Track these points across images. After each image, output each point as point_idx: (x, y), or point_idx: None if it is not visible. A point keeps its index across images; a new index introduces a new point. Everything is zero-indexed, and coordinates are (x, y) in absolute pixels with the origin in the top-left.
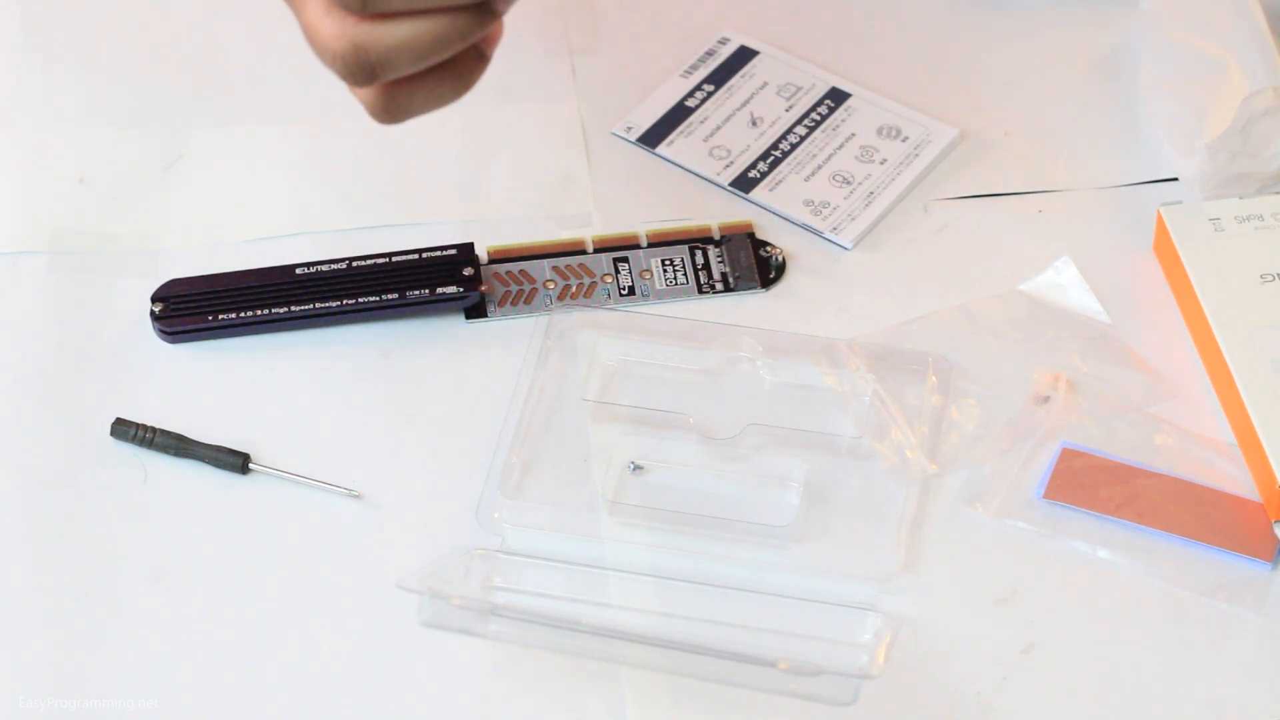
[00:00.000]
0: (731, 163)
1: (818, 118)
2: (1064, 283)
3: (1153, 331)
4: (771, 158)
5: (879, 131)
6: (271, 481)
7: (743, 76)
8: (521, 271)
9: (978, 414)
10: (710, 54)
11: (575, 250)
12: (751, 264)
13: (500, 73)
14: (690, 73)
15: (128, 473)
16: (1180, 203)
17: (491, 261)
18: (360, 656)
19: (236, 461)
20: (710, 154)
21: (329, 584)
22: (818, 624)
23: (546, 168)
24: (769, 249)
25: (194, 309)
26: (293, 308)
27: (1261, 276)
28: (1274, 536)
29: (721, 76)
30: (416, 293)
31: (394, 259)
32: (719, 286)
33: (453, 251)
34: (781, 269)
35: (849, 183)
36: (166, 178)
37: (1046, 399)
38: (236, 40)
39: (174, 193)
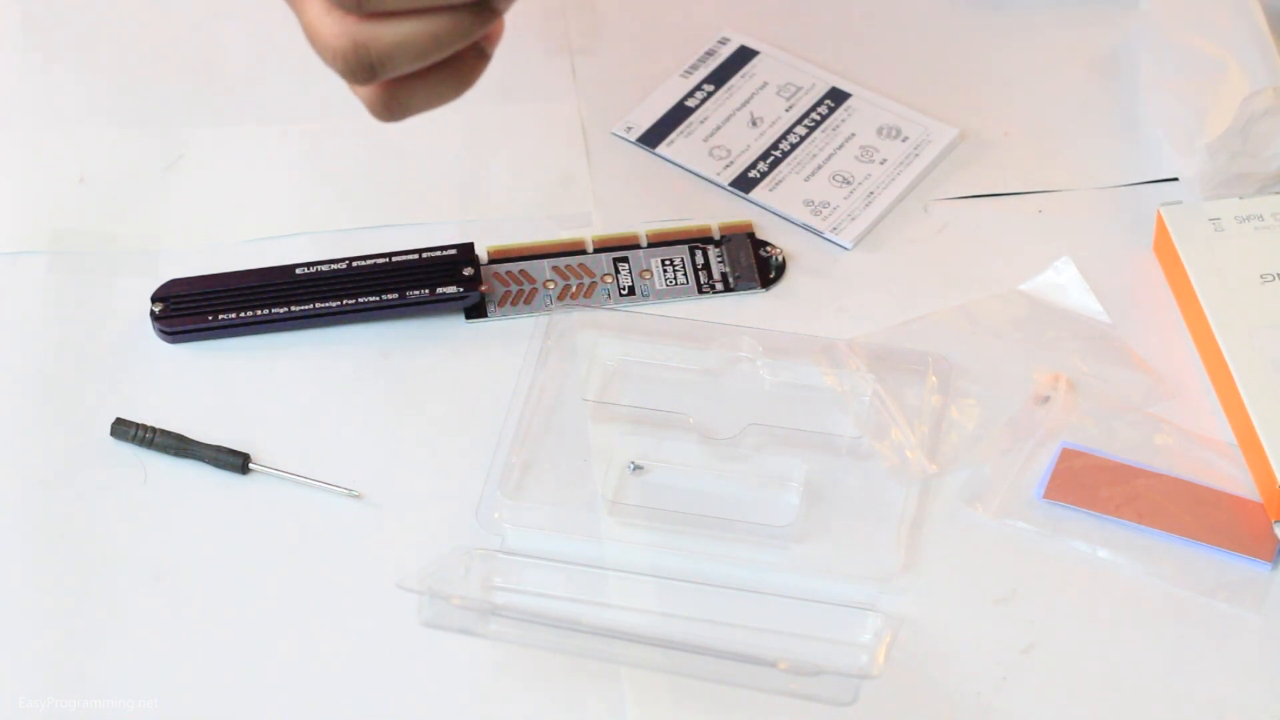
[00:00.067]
0: (731, 163)
1: (818, 118)
2: (1064, 283)
3: (1153, 331)
4: (771, 158)
5: (879, 131)
6: (271, 481)
7: (743, 76)
8: (521, 271)
9: (978, 414)
10: (710, 54)
11: (575, 250)
12: (751, 264)
13: (500, 73)
14: (690, 73)
15: (128, 473)
16: (1180, 203)
17: (491, 261)
18: (360, 656)
19: (236, 461)
20: (710, 154)
21: (329, 584)
22: (818, 624)
23: (546, 168)
24: (769, 249)
25: (194, 309)
26: (293, 308)
27: (1261, 276)
28: (1274, 536)
29: (721, 76)
30: (416, 293)
31: (394, 259)
32: (719, 286)
33: (453, 251)
34: (781, 269)
35: (849, 183)
36: (166, 178)
37: (1046, 399)
38: (236, 40)
39: (174, 193)
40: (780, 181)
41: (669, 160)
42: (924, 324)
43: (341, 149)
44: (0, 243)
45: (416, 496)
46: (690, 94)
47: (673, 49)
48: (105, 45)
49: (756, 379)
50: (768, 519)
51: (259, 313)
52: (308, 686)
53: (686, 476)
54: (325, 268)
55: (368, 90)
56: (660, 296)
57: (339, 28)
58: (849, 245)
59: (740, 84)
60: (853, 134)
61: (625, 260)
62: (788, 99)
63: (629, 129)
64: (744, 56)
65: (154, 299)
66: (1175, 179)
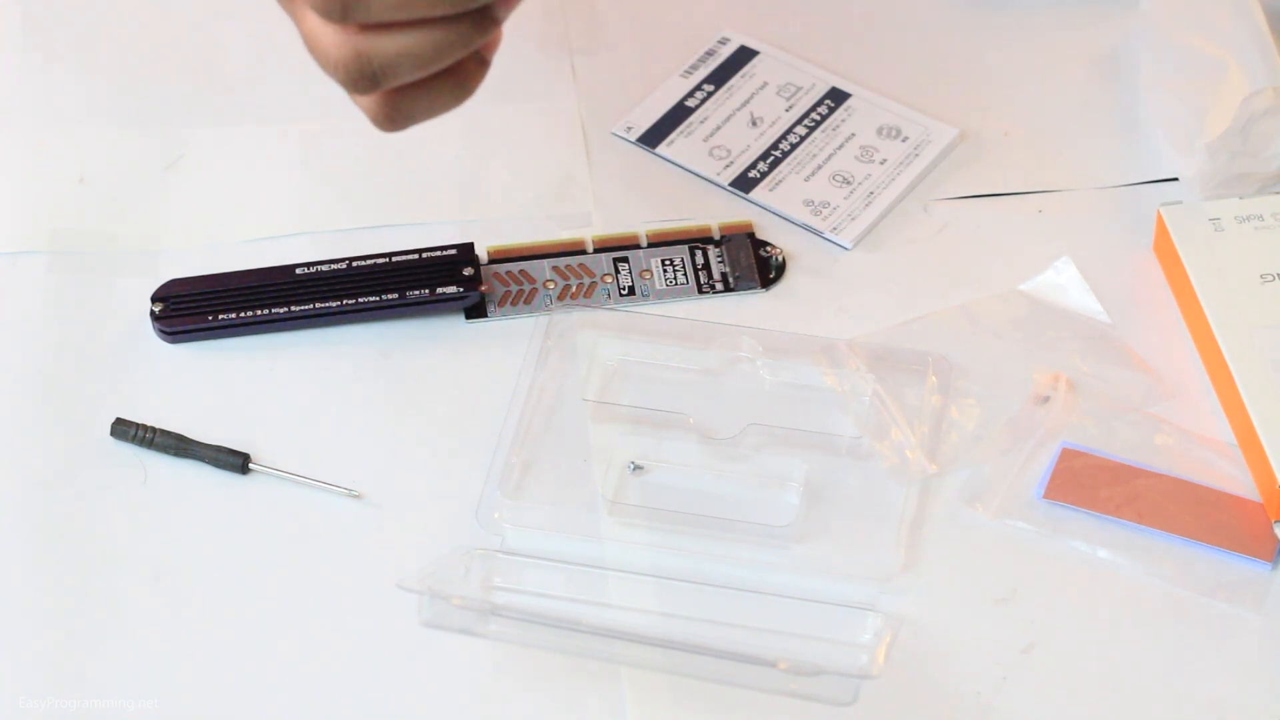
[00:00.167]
0: (731, 163)
1: (818, 118)
2: (1064, 283)
3: (1153, 331)
4: (771, 158)
5: (879, 131)
6: (271, 481)
7: (743, 76)
8: (521, 271)
9: (978, 414)
10: (710, 54)
11: (575, 250)
12: (751, 264)
13: (500, 73)
14: (690, 73)
15: (128, 473)
16: (1180, 203)
17: (491, 261)
18: (360, 656)
19: (236, 461)
20: (710, 154)
21: (329, 584)
22: (818, 624)
23: (546, 168)
24: (769, 249)
25: (194, 309)
26: (293, 308)
27: (1261, 276)
28: (1274, 536)
29: (721, 76)
30: (416, 293)
31: (394, 259)
32: (719, 286)
33: (453, 251)
34: (781, 269)
35: (849, 183)
36: (166, 178)
37: (1046, 399)
38: (236, 40)
39: (174, 193)
40: (780, 181)
41: (669, 160)
42: (924, 324)
43: (341, 149)
44: (0, 243)
45: (416, 496)
46: (690, 94)
47: (673, 49)
48: (105, 45)
49: (756, 379)
50: (768, 519)
51: (259, 313)
52: (308, 686)
53: (686, 476)
54: (325, 268)
55: (369, 100)
56: (660, 296)
57: (340, 37)
58: (849, 245)
59: (740, 84)
60: (853, 134)
61: (625, 260)
62: (788, 99)
63: (629, 129)
64: (744, 56)
65: (154, 299)
66: (1175, 179)
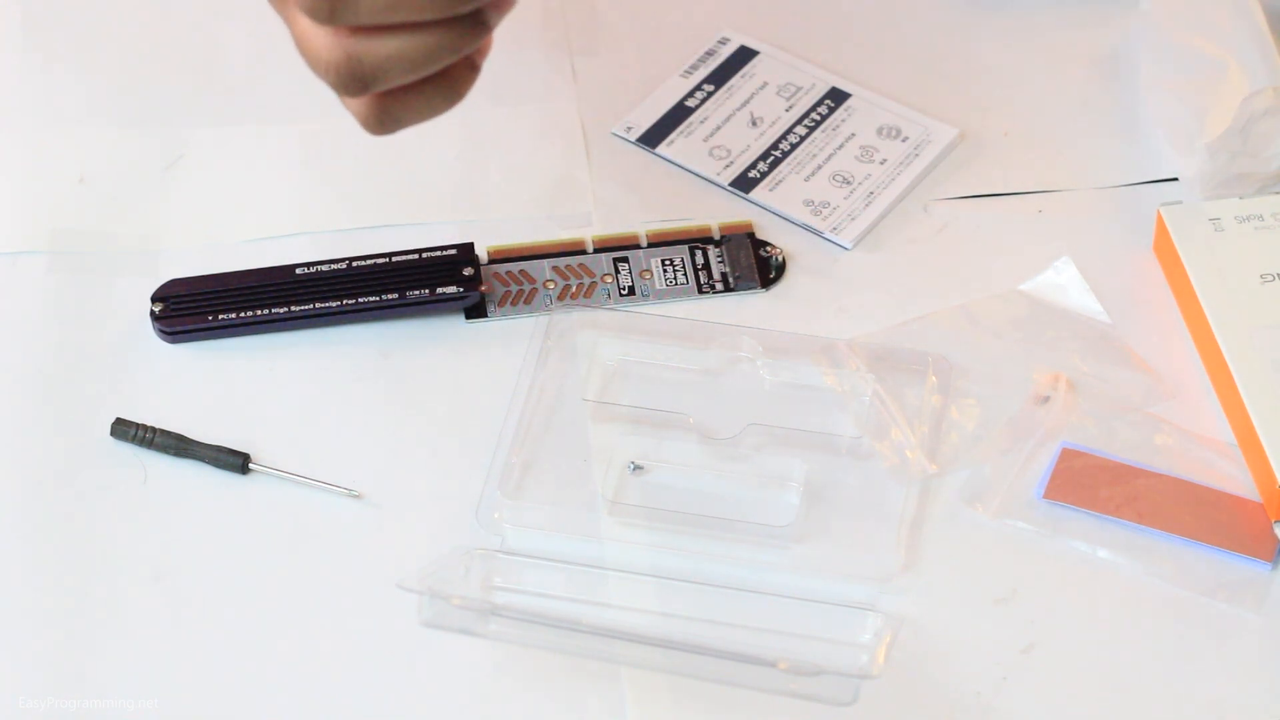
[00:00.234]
0: (731, 163)
1: (818, 118)
2: (1064, 283)
3: (1153, 331)
4: (771, 158)
5: (879, 131)
6: (271, 481)
7: (743, 76)
8: (521, 271)
9: (978, 414)
10: (710, 54)
11: (575, 250)
12: (751, 264)
13: (500, 73)
14: (690, 73)
15: (128, 473)
16: (1180, 203)
17: (491, 261)
18: (360, 656)
19: (236, 461)
20: (710, 154)
21: (329, 584)
22: (818, 624)
23: (546, 168)
24: (769, 249)
25: (194, 309)
26: (293, 308)
27: (1261, 276)
28: (1274, 536)
29: (721, 76)
30: (416, 293)
31: (394, 259)
32: (719, 286)
33: (453, 251)
34: (781, 269)
35: (849, 183)
36: (166, 178)
37: (1046, 399)
38: (236, 40)
39: (174, 193)
40: (780, 181)
41: (669, 160)
42: (924, 324)
43: (341, 149)
44: (0, 243)
45: (416, 496)
46: (690, 94)
47: (673, 49)
48: (105, 45)
49: (756, 379)
50: (768, 519)
51: (259, 313)
52: (308, 686)
53: (686, 476)
54: (325, 268)
55: (359, 103)
56: (660, 296)
57: (331, 39)
58: (849, 245)
59: (740, 84)
60: (853, 134)
61: (625, 260)
62: (788, 99)
63: (629, 129)
64: (744, 56)
65: (154, 299)
66: (1175, 179)
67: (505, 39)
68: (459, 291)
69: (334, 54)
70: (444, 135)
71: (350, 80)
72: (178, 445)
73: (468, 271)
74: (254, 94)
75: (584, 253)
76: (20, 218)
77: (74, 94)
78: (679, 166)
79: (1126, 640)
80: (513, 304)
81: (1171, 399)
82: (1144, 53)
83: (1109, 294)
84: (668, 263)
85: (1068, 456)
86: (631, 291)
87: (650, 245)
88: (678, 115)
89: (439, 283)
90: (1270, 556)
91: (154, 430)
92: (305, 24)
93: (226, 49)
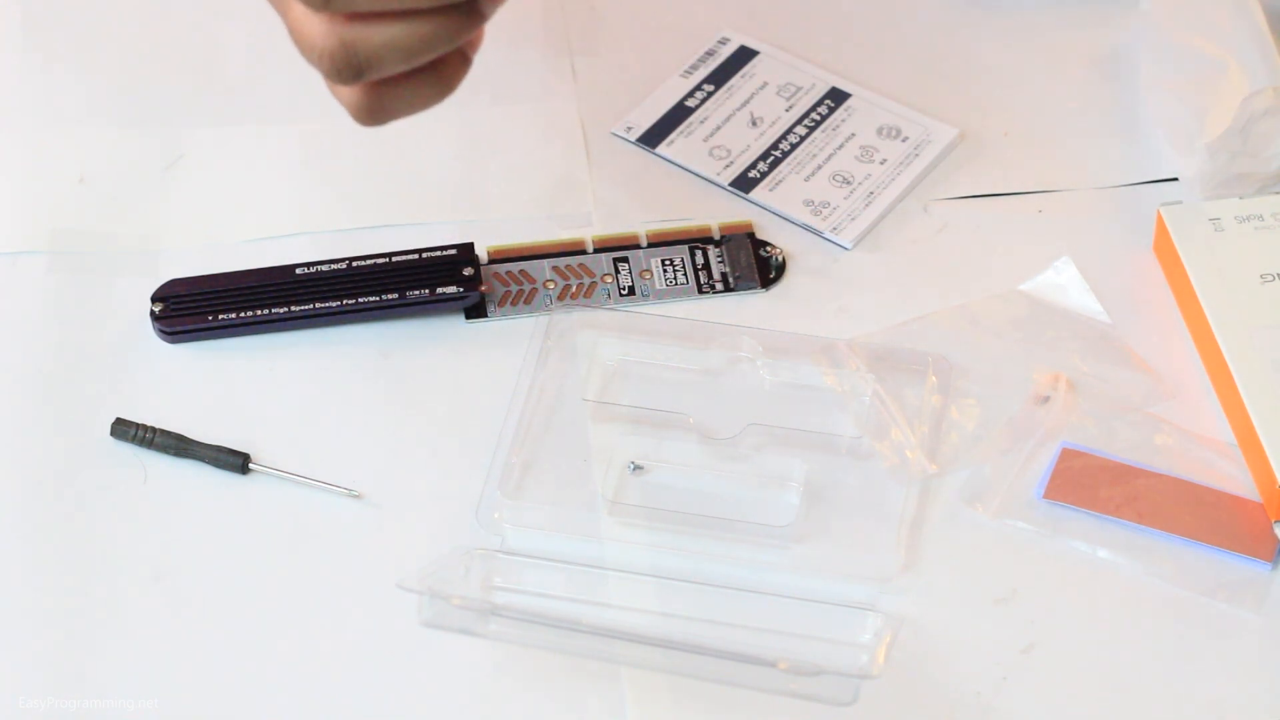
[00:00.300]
0: (731, 163)
1: (818, 118)
2: (1064, 283)
3: (1153, 331)
4: (771, 158)
5: (879, 131)
6: (271, 481)
7: (743, 76)
8: (521, 271)
9: (978, 414)
10: (710, 54)
11: (575, 250)
12: (751, 264)
13: (500, 73)
14: (690, 73)
15: (128, 473)
16: (1180, 203)
17: (491, 261)
18: (360, 656)
19: (236, 461)
20: (710, 154)
21: (329, 584)
22: (818, 624)
23: (546, 168)
24: (769, 249)
25: (194, 309)
26: (293, 308)
27: (1261, 276)
28: (1274, 536)
29: (721, 76)
30: (416, 293)
31: (394, 259)
32: (719, 286)
33: (453, 251)
34: (781, 269)
35: (849, 183)
36: (166, 178)
37: (1046, 399)
38: (236, 40)
39: (174, 193)
40: (780, 181)
41: (669, 160)
42: (924, 324)
43: (341, 149)
44: (0, 243)
45: (416, 496)
46: (690, 94)
47: (673, 49)
48: (105, 45)
49: (756, 379)
50: (768, 519)
51: (259, 313)
52: (308, 686)
53: (686, 476)
54: (325, 268)
55: (350, 93)
56: (660, 296)
57: (326, 27)
58: (849, 245)
59: (740, 84)
60: (853, 134)
61: (625, 260)
62: (788, 99)
63: (629, 129)
64: (744, 56)
65: (154, 299)
66: (1175, 179)
67: (505, 39)
68: (459, 291)
69: (328, 41)
70: (444, 135)
71: (344, 68)
72: (178, 445)
73: (468, 271)
74: (254, 94)
75: (584, 253)
76: (20, 218)
77: (74, 94)
78: (679, 166)
79: (1126, 640)
80: (513, 304)
81: (1171, 399)
82: (1144, 53)
83: (1109, 294)
84: (668, 263)
85: (1068, 456)
86: (631, 291)
87: (650, 245)
88: (678, 115)
89: (439, 283)
90: (1270, 556)
91: (154, 430)
92: (299, 11)
93: (226, 49)
